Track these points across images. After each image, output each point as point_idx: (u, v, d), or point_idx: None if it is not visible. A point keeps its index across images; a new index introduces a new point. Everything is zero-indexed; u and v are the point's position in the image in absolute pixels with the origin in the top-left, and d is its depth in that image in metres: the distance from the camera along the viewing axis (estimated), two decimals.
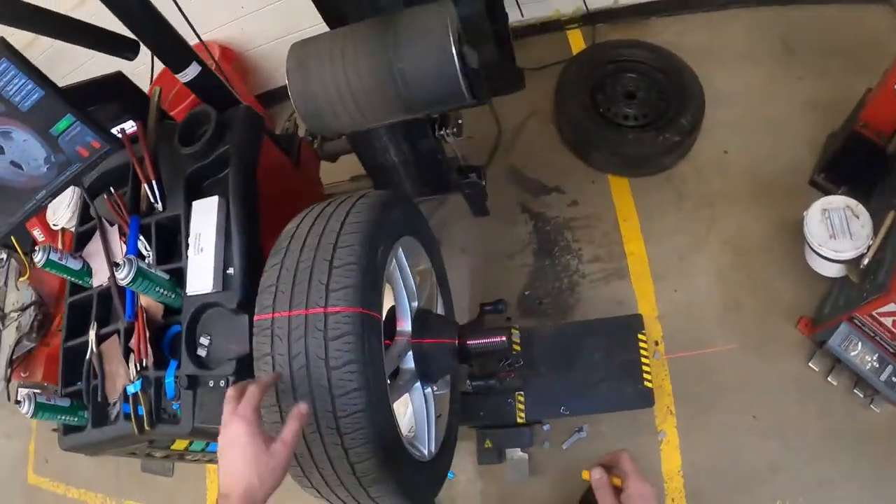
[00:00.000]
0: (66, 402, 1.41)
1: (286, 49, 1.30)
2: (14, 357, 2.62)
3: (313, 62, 1.25)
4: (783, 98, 2.47)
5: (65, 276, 1.51)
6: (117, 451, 1.47)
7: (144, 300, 1.33)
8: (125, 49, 1.29)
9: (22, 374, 2.74)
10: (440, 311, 1.43)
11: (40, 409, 1.35)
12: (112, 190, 1.48)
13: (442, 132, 1.48)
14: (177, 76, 1.36)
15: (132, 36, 1.23)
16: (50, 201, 1.30)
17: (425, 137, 1.49)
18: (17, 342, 2.60)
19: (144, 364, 1.30)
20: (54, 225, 2.77)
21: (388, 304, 1.21)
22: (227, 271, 1.26)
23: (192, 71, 1.34)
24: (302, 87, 1.24)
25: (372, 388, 0.87)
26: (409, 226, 1.18)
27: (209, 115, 1.32)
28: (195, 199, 1.33)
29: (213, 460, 1.62)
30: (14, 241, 3.03)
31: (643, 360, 1.96)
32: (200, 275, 1.26)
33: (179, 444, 1.44)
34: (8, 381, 2.59)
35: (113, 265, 1.22)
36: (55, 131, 1.15)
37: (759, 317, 2.12)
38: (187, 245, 1.31)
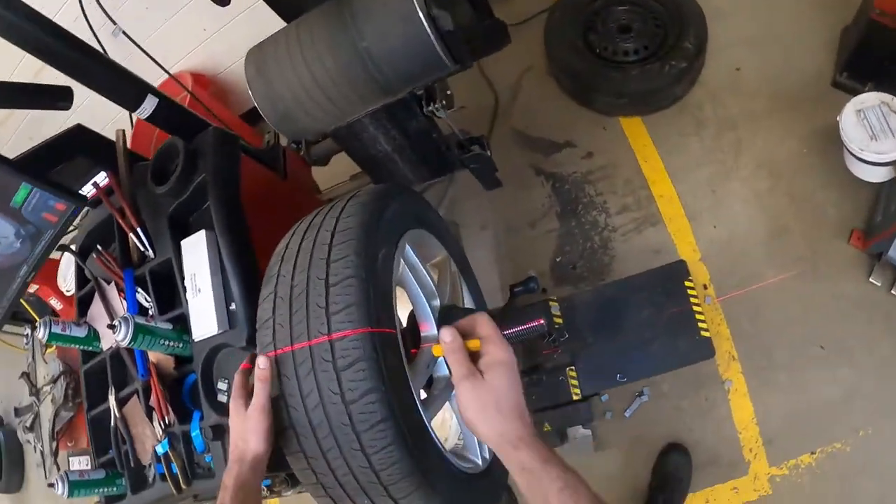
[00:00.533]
0: (101, 474, 1.35)
1: None
2: (56, 430, 2.64)
3: (272, 63, 1.13)
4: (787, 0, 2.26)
5: (73, 345, 1.45)
6: None
7: (153, 356, 1.25)
8: (58, 99, 1.18)
9: (68, 444, 2.76)
10: (468, 302, 1.31)
11: (75, 487, 1.28)
12: (99, 247, 1.39)
13: (430, 108, 1.34)
14: (136, 115, 1.26)
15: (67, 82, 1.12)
16: (33, 276, 1.22)
17: (414, 118, 1.35)
18: (56, 414, 2.60)
19: (168, 422, 1.21)
20: (67, 291, 2.74)
21: (408, 309, 1.09)
22: (230, 308, 1.16)
23: (150, 105, 1.23)
24: (265, 91, 1.12)
25: (399, 414, 0.75)
26: (411, 218, 1.05)
27: (177, 146, 1.21)
28: (183, 238, 1.23)
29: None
30: (33, 313, 3.03)
31: (695, 308, 1.83)
32: (203, 317, 1.16)
33: None
34: (55, 455, 2.60)
35: (109, 327, 1.14)
36: (15, 204, 1.06)
37: (807, 238, 1.97)
38: (184, 288, 1.21)
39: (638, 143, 2.26)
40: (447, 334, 0.78)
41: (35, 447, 2.68)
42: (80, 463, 1.55)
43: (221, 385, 1.17)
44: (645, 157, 2.24)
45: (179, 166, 1.18)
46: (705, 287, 2.01)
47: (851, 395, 1.78)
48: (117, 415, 1.33)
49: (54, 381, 2.65)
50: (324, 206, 1.02)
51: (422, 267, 1.03)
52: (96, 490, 1.32)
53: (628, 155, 2.26)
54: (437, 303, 1.04)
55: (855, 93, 1.84)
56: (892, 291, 1.81)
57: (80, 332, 1.43)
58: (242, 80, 3.04)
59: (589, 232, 2.22)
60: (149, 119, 1.23)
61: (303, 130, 1.20)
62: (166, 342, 1.18)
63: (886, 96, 1.73)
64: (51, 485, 1.85)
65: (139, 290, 1.34)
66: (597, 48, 2.23)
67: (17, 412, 2.78)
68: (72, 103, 1.16)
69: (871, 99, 1.74)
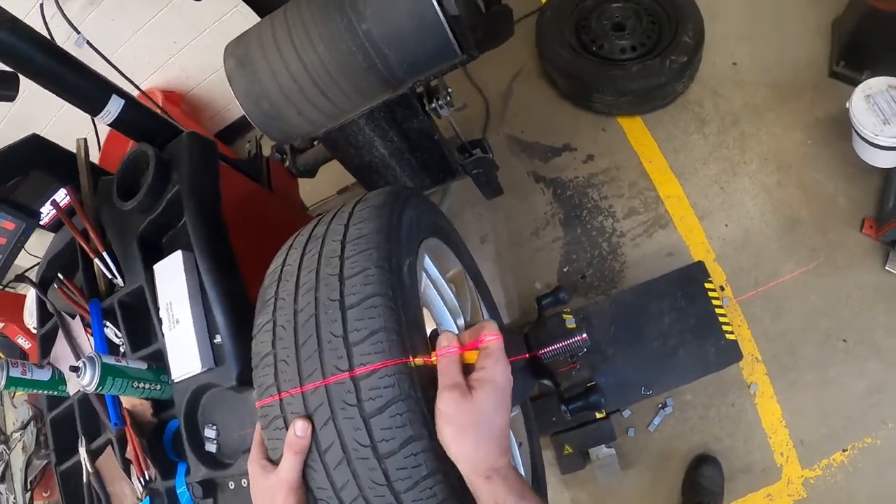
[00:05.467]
0: None
1: None
2: (30, 479, 2.40)
3: (256, 52, 0.98)
4: None
5: (35, 390, 1.25)
6: None
7: (127, 401, 1.07)
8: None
9: (43, 495, 2.52)
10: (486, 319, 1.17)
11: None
12: (61, 276, 1.21)
13: (433, 106, 1.21)
14: (97, 119, 1.09)
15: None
16: None
17: (415, 117, 1.20)
18: (28, 463, 2.36)
19: (148, 477, 1.03)
20: (34, 328, 2.51)
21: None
22: (215, 341, 0.99)
23: (115, 107, 1.06)
24: (248, 86, 0.97)
25: (449, 465, 0.59)
26: (428, 225, 0.88)
27: (146, 154, 1.04)
28: (156, 262, 1.06)
29: None
30: (1, 354, 2.79)
31: (717, 310, 1.72)
32: (184, 353, 0.99)
33: None
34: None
35: (73, 370, 0.96)
36: None
37: (820, 230, 1.92)
38: (159, 320, 1.04)
39: (640, 143, 2.17)
40: (444, 338, 0.69)
41: (7, 499, 2.44)
42: None
43: (209, 432, 1.00)
44: (649, 157, 2.14)
45: (150, 178, 1.01)
46: (722, 288, 1.91)
47: (879, 387, 1.72)
48: (90, 469, 1.14)
49: (24, 427, 2.43)
50: (323, 215, 0.86)
51: (443, 281, 0.88)
52: None
53: (631, 156, 2.16)
54: (461, 322, 0.89)
55: (853, 82, 1.82)
56: None
57: (43, 376, 1.25)
58: (217, 95, 2.94)
59: (596, 238, 2.10)
60: (114, 124, 1.07)
61: (291, 131, 1.05)
62: (141, 384, 1.01)
63: (893, 80, 1.70)
64: None
65: (108, 324, 1.17)
66: (592, 47, 2.15)
67: None
68: (16, 92, 0.97)
69: (878, 84, 1.71)
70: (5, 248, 0.96)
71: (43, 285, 1.35)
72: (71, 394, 1.25)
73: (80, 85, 1.00)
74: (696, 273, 1.76)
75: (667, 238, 2.01)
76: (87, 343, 1.23)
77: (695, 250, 1.98)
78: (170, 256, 1.03)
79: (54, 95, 1.03)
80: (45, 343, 1.36)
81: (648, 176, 2.11)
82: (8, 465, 2.49)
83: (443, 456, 0.59)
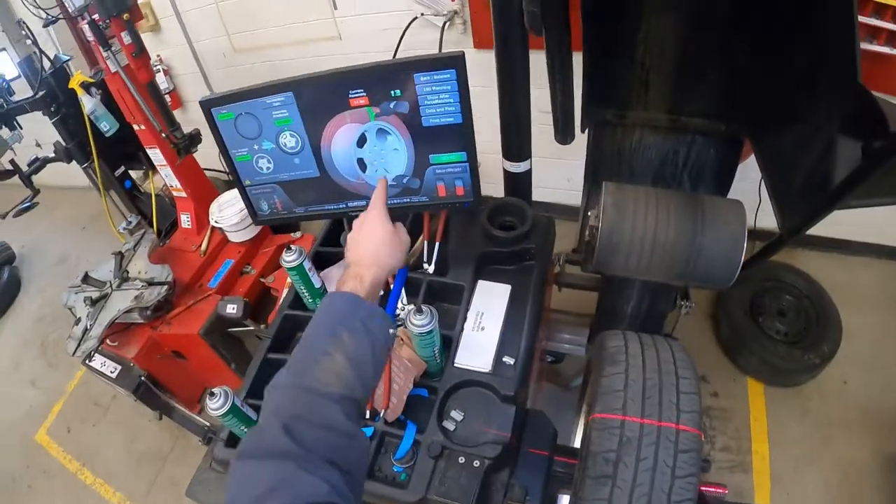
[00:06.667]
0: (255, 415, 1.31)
1: None
2: (114, 320, 2.55)
3: (631, 205, 1.39)
4: None
5: (300, 286, 1.48)
6: None
7: (408, 352, 1.34)
8: None
9: (110, 343, 2.68)
10: None
11: (233, 412, 1.24)
12: None
13: (682, 302, 1.61)
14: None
15: None
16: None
17: (667, 302, 1.61)
18: (129, 310, 2.56)
19: (382, 414, 1.27)
20: (215, 222, 2.86)
21: None
22: (503, 359, 1.30)
23: None
24: (615, 221, 1.37)
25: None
26: None
27: (524, 211, 1.44)
28: (481, 278, 1.41)
29: None
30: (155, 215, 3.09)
31: None
32: (476, 352, 1.30)
33: None
34: (101, 341, 2.51)
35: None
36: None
37: None
38: (464, 318, 1.37)
39: (755, 404, 2.56)
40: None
41: (81, 319, 2.58)
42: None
43: (455, 414, 1.24)
44: (756, 416, 2.52)
45: (521, 231, 1.40)
46: None
47: None
48: None
49: (153, 283, 2.66)
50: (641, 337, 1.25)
51: None
52: (243, 427, 1.28)
53: (745, 409, 2.55)
54: None
55: None
56: None
57: (317, 283, 1.48)
58: None
59: None
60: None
61: (614, 263, 1.42)
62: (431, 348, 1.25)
63: None
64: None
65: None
66: (757, 317, 2.63)
67: (87, 279, 2.74)
68: None
69: None
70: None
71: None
72: None
73: None
74: None
75: (743, 480, 2.32)
76: None
77: (758, 497, 2.28)
78: (500, 285, 1.39)
79: None
80: (318, 259, 1.61)
81: (750, 429, 2.48)
82: (106, 299, 2.68)
83: (697, 489, 0.97)
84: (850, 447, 2.39)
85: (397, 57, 1.76)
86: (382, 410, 1.27)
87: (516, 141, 1.48)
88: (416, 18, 2.64)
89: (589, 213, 1.52)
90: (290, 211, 1.36)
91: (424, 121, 1.12)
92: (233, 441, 1.35)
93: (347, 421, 0.74)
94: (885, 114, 1.01)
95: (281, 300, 1.67)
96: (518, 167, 1.48)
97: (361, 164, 1.23)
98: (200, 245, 2.97)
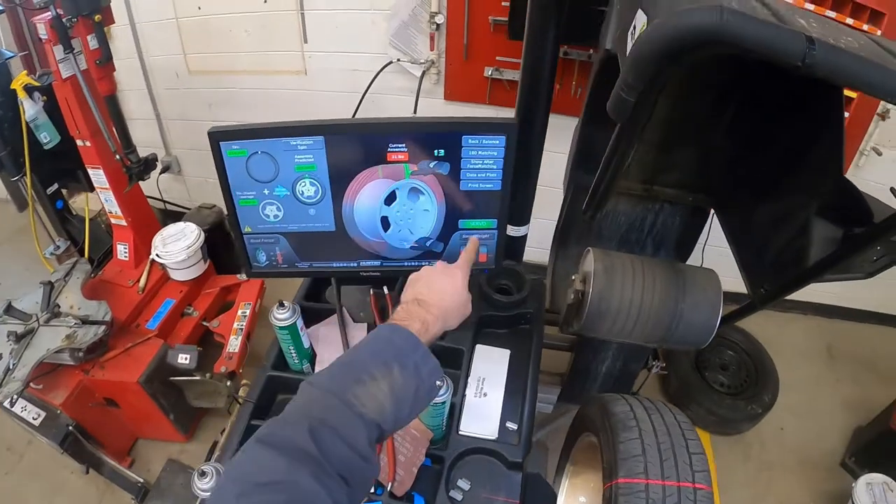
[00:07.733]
0: None
1: None
2: (41, 359, 2.25)
3: (619, 272, 1.45)
4: (827, 395, 3.01)
5: (288, 346, 1.39)
6: None
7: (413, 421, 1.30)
8: None
9: (33, 386, 2.36)
10: None
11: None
12: (385, 290, 1.44)
13: (653, 363, 1.69)
14: None
15: None
16: None
17: (639, 362, 1.69)
18: (59, 350, 2.28)
19: (390, 488, 1.22)
20: (157, 256, 2.64)
21: None
22: (506, 424, 1.29)
23: None
24: (605, 289, 1.42)
25: None
26: None
27: (521, 276, 1.46)
28: (478, 342, 1.40)
29: None
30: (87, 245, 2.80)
31: None
32: (481, 418, 1.28)
33: None
34: (26, 384, 2.20)
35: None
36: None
37: None
38: (465, 384, 1.34)
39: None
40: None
41: (2, 356, 2.26)
42: None
43: (462, 483, 1.21)
44: None
45: (518, 297, 1.42)
46: None
47: None
48: None
49: (89, 322, 2.38)
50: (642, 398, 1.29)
51: None
52: None
53: None
54: None
55: (855, 475, 2.41)
56: None
57: (306, 342, 1.41)
58: None
59: None
60: None
61: (599, 328, 1.45)
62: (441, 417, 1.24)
63: (890, 480, 2.27)
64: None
65: None
66: (702, 371, 2.80)
67: (11, 309, 2.41)
68: None
69: (878, 478, 2.29)
70: None
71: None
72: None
73: None
74: None
75: None
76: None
77: None
78: (498, 350, 1.39)
79: None
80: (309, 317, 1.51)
81: None
82: (32, 335, 2.37)
83: None
84: (790, 488, 2.59)
85: (382, 113, 1.73)
86: (389, 484, 1.20)
87: (522, 207, 1.51)
88: (390, 63, 2.65)
89: (574, 277, 1.56)
90: (292, 265, 1.28)
91: (463, 184, 1.10)
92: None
93: (368, 446, 0.75)
94: (870, 206, 1.13)
95: (265, 360, 1.55)
96: (519, 231, 1.50)
97: (385, 222, 1.17)
98: (139, 280, 2.72)
